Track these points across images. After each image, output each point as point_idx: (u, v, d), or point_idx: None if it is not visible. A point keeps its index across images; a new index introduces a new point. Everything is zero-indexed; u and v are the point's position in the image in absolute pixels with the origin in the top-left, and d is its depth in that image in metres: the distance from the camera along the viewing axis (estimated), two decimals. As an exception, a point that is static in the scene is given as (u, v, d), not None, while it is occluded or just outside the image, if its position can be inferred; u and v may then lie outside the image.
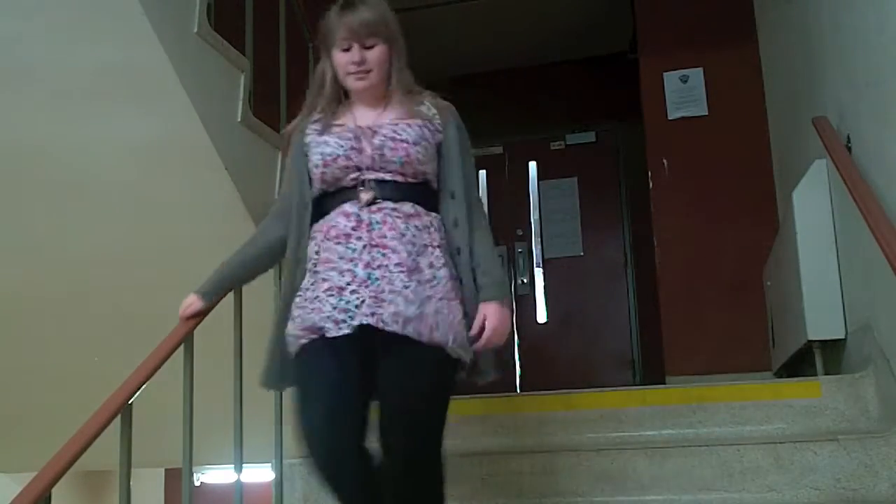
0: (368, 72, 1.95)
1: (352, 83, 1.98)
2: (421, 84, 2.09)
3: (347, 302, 1.83)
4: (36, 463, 1.91)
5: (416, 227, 1.89)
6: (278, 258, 2.10)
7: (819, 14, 3.19)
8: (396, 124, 1.95)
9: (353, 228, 1.88)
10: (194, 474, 2.47)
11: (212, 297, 2.17)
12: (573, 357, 5.49)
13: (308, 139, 2.00)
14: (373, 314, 1.81)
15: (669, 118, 4.50)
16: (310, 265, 1.93)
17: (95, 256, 3.22)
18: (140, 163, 2.89)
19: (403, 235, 1.87)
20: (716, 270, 4.29)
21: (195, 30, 2.82)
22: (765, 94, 4.33)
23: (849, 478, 2.34)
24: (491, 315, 1.90)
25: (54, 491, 1.85)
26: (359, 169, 1.91)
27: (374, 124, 1.96)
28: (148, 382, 2.10)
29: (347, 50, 1.94)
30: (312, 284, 1.90)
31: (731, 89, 4.42)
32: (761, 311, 4.05)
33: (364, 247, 1.86)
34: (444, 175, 1.99)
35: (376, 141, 1.92)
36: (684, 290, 4.34)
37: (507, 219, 5.85)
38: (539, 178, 5.87)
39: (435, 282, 1.87)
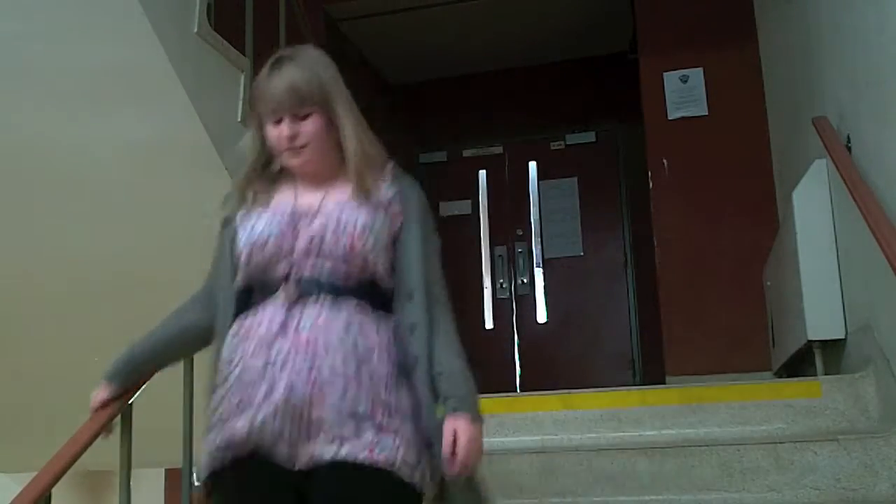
0: (303, 147, 1.62)
1: (286, 160, 1.65)
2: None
3: (263, 424, 1.49)
4: (36, 463, 1.91)
5: (357, 330, 1.55)
6: (196, 346, 1.79)
7: (819, 14, 3.19)
8: (342, 208, 1.61)
9: (279, 330, 1.54)
10: (194, 474, 2.46)
11: (119, 382, 1.85)
12: (573, 357, 5.49)
13: (238, 217, 1.67)
14: (295, 445, 1.49)
15: (669, 118, 4.50)
16: (223, 370, 1.59)
17: (95, 256, 3.22)
18: (140, 163, 2.90)
19: (342, 340, 1.53)
20: (716, 270, 4.29)
21: (195, 30, 2.83)
22: (765, 94, 4.33)
23: (849, 478, 2.34)
24: (461, 431, 1.53)
25: (54, 491, 1.85)
26: (291, 256, 1.58)
27: (316, 205, 1.63)
28: (148, 382, 2.10)
29: (278, 122, 1.62)
30: (224, 397, 1.57)
31: (731, 89, 4.42)
32: (761, 311, 4.05)
33: (290, 352, 1.52)
34: (400, 270, 1.63)
35: (315, 226, 1.59)
36: (684, 290, 4.33)
37: (507, 219, 5.85)
38: (539, 178, 5.87)
39: (378, 395, 1.53)
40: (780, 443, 2.46)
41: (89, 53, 2.56)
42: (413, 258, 1.64)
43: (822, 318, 3.03)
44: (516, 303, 5.74)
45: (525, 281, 5.74)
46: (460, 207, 5.94)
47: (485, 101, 5.99)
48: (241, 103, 3.10)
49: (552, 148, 5.92)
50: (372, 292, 1.60)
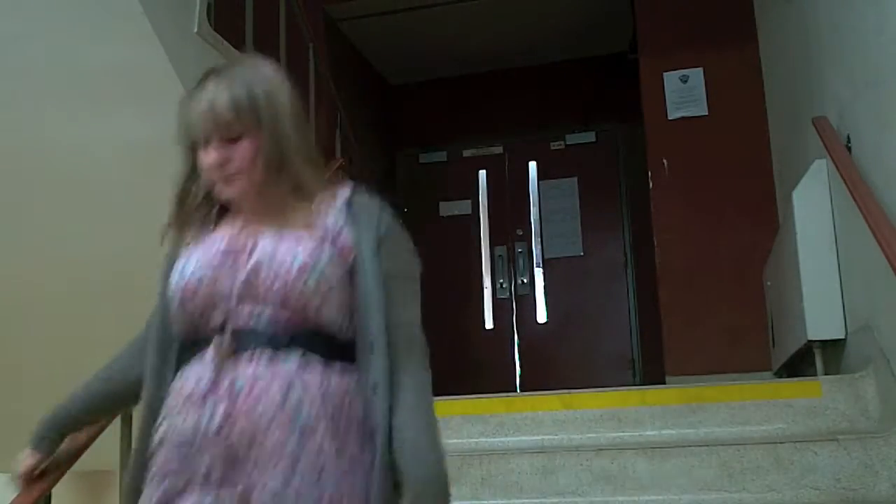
0: (236, 175, 1.38)
1: (220, 190, 1.41)
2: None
3: None
4: (36, 463, 1.91)
5: (301, 392, 1.29)
6: (139, 400, 1.49)
7: (818, 14, 3.19)
8: (279, 243, 1.35)
9: (210, 390, 1.30)
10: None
11: (47, 448, 1.59)
12: (573, 357, 5.49)
13: (179, 254, 1.46)
14: None
15: (669, 118, 4.50)
16: (157, 437, 1.35)
17: (95, 256, 3.22)
18: (140, 163, 2.89)
19: (282, 405, 1.28)
20: (716, 270, 4.29)
21: (195, 30, 2.83)
22: (765, 94, 4.33)
23: (849, 478, 2.34)
24: None
25: (54, 491, 1.85)
26: (226, 303, 1.34)
27: (254, 240, 1.38)
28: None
29: (207, 146, 1.38)
30: (157, 474, 1.33)
31: (731, 89, 4.42)
32: (761, 311, 4.05)
33: (226, 418, 1.28)
34: (359, 316, 1.36)
35: (249, 266, 1.34)
36: (684, 290, 4.33)
37: (507, 219, 5.86)
38: (539, 178, 5.87)
39: (325, 479, 1.26)
40: (780, 443, 2.46)
41: (89, 53, 2.56)
42: (371, 300, 1.35)
43: (822, 318, 3.02)
44: (516, 303, 5.74)
45: (525, 281, 5.74)
46: (460, 207, 5.95)
47: (485, 101, 5.99)
48: (241, 103, 3.10)
49: (552, 148, 5.92)
50: (323, 343, 1.34)
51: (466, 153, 6.05)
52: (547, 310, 5.69)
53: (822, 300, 3.03)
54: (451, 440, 2.91)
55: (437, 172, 6.04)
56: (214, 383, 1.30)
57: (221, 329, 1.34)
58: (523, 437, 2.86)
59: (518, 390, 5.41)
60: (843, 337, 2.98)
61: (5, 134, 2.76)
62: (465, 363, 5.45)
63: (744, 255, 4.21)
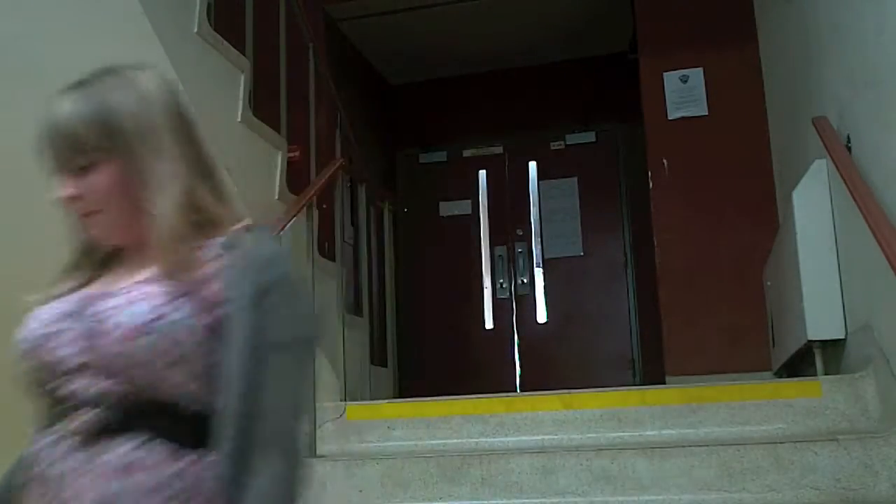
0: (95, 213, 1.14)
1: (85, 230, 1.19)
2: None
3: None
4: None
5: (133, 490, 1.01)
6: None
7: (818, 14, 3.19)
8: (124, 296, 1.08)
9: (44, 480, 1.07)
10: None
11: None
12: (573, 357, 5.50)
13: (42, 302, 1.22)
14: None
15: (669, 118, 4.50)
16: None
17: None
18: (140, 163, 2.90)
19: None
20: (716, 270, 4.29)
21: (195, 30, 2.83)
22: (765, 94, 4.33)
23: (849, 478, 2.34)
24: None
25: (54, 491, 1.85)
26: (59, 372, 1.08)
27: (105, 291, 1.12)
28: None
29: (58, 174, 1.15)
30: None
31: (731, 89, 4.42)
32: (761, 311, 4.05)
33: None
34: (220, 389, 1.05)
35: (84, 325, 1.08)
36: (684, 290, 4.33)
37: (507, 219, 5.86)
38: (539, 178, 5.88)
39: None
40: (780, 443, 2.46)
41: (89, 53, 2.56)
42: (233, 369, 1.04)
43: (822, 318, 3.02)
44: (516, 303, 5.74)
45: (525, 281, 5.74)
46: (460, 207, 5.95)
47: (485, 101, 5.99)
48: (240, 103, 3.10)
49: (552, 148, 5.92)
50: (170, 423, 1.05)
51: (466, 153, 6.06)
52: (547, 310, 5.70)
53: (822, 300, 3.03)
54: (451, 440, 2.92)
55: (437, 172, 6.04)
56: (41, 473, 1.07)
57: (57, 402, 1.09)
58: (523, 437, 2.86)
59: (518, 390, 5.41)
60: (843, 337, 2.98)
61: (5, 134, 2.76)
62: (465, 363, 5.46)
63: (744, 255, 4.21)
